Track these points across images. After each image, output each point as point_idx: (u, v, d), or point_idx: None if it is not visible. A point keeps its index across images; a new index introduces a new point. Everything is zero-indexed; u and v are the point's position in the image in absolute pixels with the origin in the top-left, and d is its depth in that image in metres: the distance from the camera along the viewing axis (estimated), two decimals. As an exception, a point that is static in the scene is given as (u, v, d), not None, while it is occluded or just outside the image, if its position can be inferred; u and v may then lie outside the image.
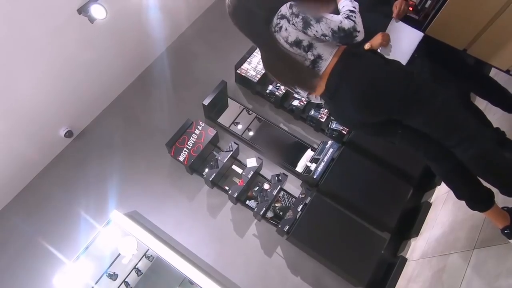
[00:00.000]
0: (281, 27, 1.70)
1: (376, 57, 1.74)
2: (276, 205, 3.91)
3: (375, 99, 1.69)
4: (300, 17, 1.64)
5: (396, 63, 1.76)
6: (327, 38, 1.65)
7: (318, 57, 1.70)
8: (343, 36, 1.62)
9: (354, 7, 1.67)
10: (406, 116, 1.73)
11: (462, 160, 1.73)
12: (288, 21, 1.67)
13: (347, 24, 1.61)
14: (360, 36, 1.64)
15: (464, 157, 1.71)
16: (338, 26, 1.61)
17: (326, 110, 4.28)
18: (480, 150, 1.67)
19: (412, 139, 1.89)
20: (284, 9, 1.68)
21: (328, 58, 1.70)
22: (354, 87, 1.69)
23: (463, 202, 2.73)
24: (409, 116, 1.72)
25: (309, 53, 1.70)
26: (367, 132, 1.97)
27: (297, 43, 1.69)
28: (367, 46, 1.94)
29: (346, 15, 1.64)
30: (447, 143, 1.73)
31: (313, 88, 1.78)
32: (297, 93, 1.91)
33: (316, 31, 1.64)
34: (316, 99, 1.91)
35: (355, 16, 1.63)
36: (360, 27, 1.62)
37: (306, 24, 1.64)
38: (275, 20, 1.71)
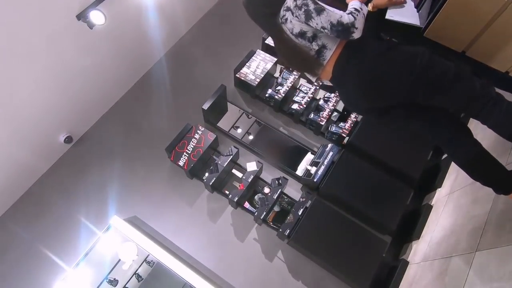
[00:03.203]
0: (286, 19, 1.76)
1: (380, 45, 1.75)
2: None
3: (381, 87, 1.72)
4: (303, 9, 1.69)
5: (400, 47, 1.75)
6: (326, 31, 1.69)
7: (323, 47, 1.75)
8: (340, 30, 1.65)
9: (361, 8, 1.70)
10: (418, 95, 1.72)
11: (487, 125, 1.74)
12: (292, 13, 1.72)
13: (346, 19, 1.64)
14: (357, 34, 1.66)
15: (489, 122, 1.71)
16: (337, 20, 1.64)
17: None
18: (506, 107, 1.66)
19: (417, 122, 1.91)
20: (289, 2, 1.74)
21: (332, 47, 1.75)
22: (359, 76, 1.73)
23: (463, 205, 2.72)
24: (422, 95, 1.72)
25: (313, 43, 1.75)
26: (375, 117, 1.97)
27: (302, 34, 1.75)
28: (370, 6, 1.89)
29: (349, 12, 1.67)
30: (468, 113, 1.77)
31: (318, 76, 1.86)
32: (308, 77, 1.97)
33: (317, 24, 1.68)
34: (327, 82, 1.95)
35: (357, 14, 1.66)
36: (359, 24, 1.65)
37: (308, 17, 1.68)
38: (281, 12, 1.78)
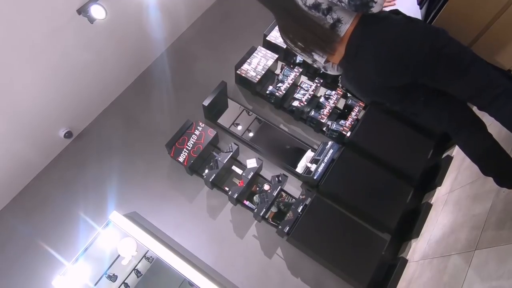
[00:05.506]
0: None
1: (399, 17, 1.66)
2: (279, 199, 3.93)
3: (398, 58, 1.60)
4: None
5: (420, 21, 1.67)
6: (342, 4, 1.58)
7: (338, 21, 1.62)
8: (358, 4, 1.53)
9: None
10: (432, 75, 1.64)
11: (496, 118, 1.66)
12: None
13: None
14: (376, 8, 1.54)
15: (500, 114, 1.64)
16: None
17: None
18: None
19: (436, 107, 1.83)
20: None
21: (348, 21, 1.62)
22: (376, 47, 1.62)
23: (463, 203, 2.72)
24: (436, 75, 1.63)
25: (328, 16, 1.62)
26: (387, 100, 1.88)
27: (316, 6, 1.61)
28: None
29: None
30: (479, 102, 1.67)
31: (332, 51, 1.71)
32: (314, 61, 1.84)
33: None
34: (333, 69, 1.85)
35: None
36: None
37: None
38: None
